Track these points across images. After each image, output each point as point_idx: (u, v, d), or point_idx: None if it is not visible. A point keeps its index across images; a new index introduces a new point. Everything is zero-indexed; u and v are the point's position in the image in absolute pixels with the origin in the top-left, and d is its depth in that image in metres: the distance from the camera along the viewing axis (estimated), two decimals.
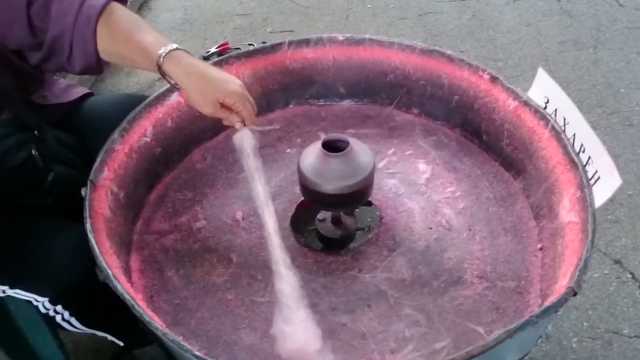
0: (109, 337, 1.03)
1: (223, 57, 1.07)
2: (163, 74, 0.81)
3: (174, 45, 0.80)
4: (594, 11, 2.47)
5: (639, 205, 1.54)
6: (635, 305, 1.32)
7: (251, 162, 0.83)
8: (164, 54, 0.79)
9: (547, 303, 0.65)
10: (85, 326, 0.94)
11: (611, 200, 1.54)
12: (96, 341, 1.23)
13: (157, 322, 0.65)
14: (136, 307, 0.66)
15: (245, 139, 0.85)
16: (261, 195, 0.83)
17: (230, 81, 0.82)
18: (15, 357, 1.00)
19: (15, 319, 0.94)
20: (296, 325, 0.76)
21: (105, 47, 0.82)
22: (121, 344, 1.05)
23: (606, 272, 1.39)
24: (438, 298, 0.84)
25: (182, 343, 0.62)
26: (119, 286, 0.69)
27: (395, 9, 2.52)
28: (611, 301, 1.33)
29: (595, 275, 1.38)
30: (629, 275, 1.38)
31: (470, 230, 0.95)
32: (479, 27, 2.40)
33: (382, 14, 2.48)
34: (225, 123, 0.86)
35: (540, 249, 0.91)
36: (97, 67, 0.85)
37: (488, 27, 2.40)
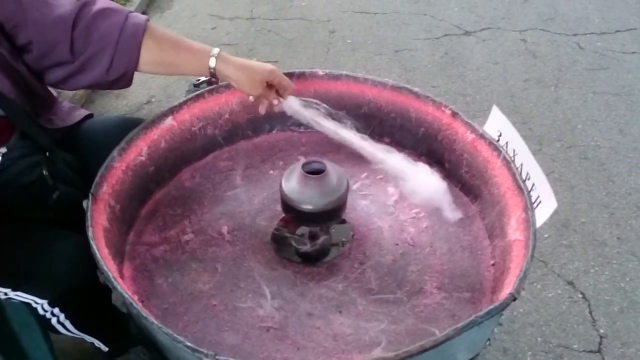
0: (96, 343, 1.10)
1: (214, 86, 1.18)
2: (212, 73, 1.00)
3: (218, 49, 1.00)
4: (556, 52, 2.68)
5: (591, 232, 1.68)
6: (585, 323, 1.44)
7: (309, 113, 1.08)
8: (216, 56, 0.99)
9: (490, 306, 0.76)
10: (78, 330, 1.01)
11: (566, 227, 1.69)
12: (81, 349, 1.29)
13: (152, 318, 0.73)
14: (134, 304, 0.75)
15: (294, 103, 1.08)
16: (331, 127, 1.07)
17: (267, 65, 1.04)
18: (7, 358, 1.06)
19: (10, 321, 1.01)
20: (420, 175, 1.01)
21: (150, 57, 0.97)
22: (105, 349, 1.12)
23: (559, 292, 1.51)
24: (401, 306, 0.95)
25: (175, 335, 0.70)
26: (118, 287, 0.78)
27: (372, 45, 2.68)
28: (563, 319, 1.45)
29: (550, 294, 1.50)
30: (580, 295, 1.50)
31: (431, 247, 1.06)
32: (450, 64, 2.58)
33: (361, 49, 2.64)
34: (269, 100, 1.08)
35: (493, 264, 1.02)
36: (131, 78, 1.01)
37: (459, 65, 2.57)
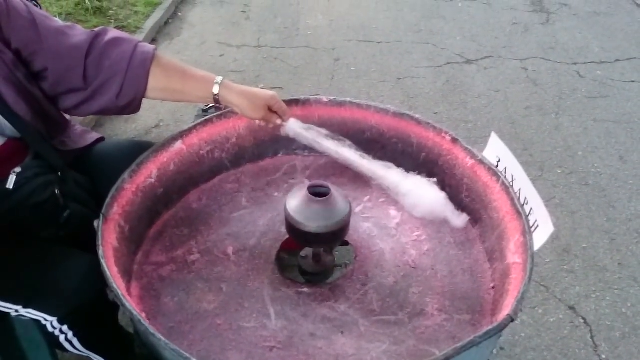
0: None
1: (222, 111, 1.22)
2: (216, 100, 1.05)
3: (221, 77, 1.06)
4: (557, 81, 2.73)
5: (592, 257, 1.69)
6: (587, 348, 1.45)
7: (309, 134, 1.13)
8: (220, 84, 1.03)
9: (488, 327, 0.77)
10: (85, 348, 1.03)
11: (567, 252, 1.71)
12: None
13: (159, 335, 0.76)
14: (142, 321, 0.77)
15: (295, 125, 1.14)
16: (331, 146, 1.12)
17: (267, 91, 1.11)
18: None
19: (20, 339, 1.03)
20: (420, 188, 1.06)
21: (158, 84, 1.02)
22: None
23: (561, 316, 1.52)
24: (403, 327, 0.96)
25: (182, 351, 0.73)
26: (127, 304, 0.80)
27: (376, 73, 2.75)
28: (565, 344, 1.45)
29: (551, 319, 1.51)
30: (582, 320, 1.51)
31: (433, 269, 1.08)
32: (452, 91, 2.63)
33: (365, 76, 2.70)
34: (271, 122, 1.13)
35: (493, 287, 1.04)
36: (139, 104, 1.05)
37: (460, 92, 2.63)
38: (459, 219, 1.07)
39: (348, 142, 1.14)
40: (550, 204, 1.87)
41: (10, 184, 0.97)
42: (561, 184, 2.00)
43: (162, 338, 0.74)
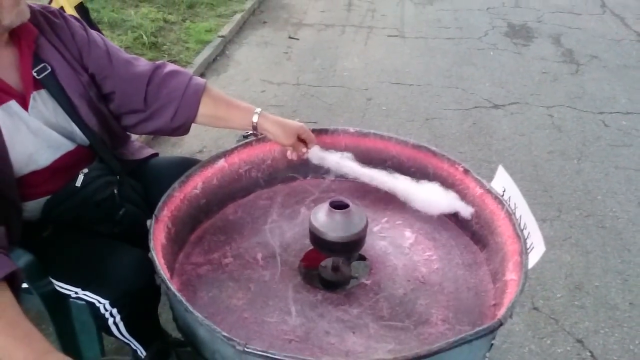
0: (139, 352, 1.26)
1: (260, 137, 1.39)
2: (254, 127, 1.23)
3: (260, 109, 1.24)
4: (581, 128, 2.82)
5: (604, 296, 1.75)
6: None
7: (332, 158, 1.29)
8: (258, 114, 1.22)
9: (479, 328, 0.88)
10: (128, 333, 1.18)
11: (579, 289, 1.77)
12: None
13: (197, 313, 0.90)
14: (183, 301, 0.92)
15: (318, 152, 1.31)
16: (349, 164, 1.29)
17: (297, 122, 1.27)
18: (65, 350, 1.23)
19: (74, 321, 1.19)
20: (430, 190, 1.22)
21: (206, 111, 1.21)
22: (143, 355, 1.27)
23: (568, 348, 1.57)
24: (408, 332, 1.07)
25: (213, 325, 0.86)
26: (171, 286, 0.95)
27: (405, 112, 2.91)
28: None
29: (559, 350, 1.57)
30: (589, 354, 1.56)
31: (440, 285, 1.19)
32: (478, 133, 2.75)
33: (394, 115, 2.87)
34: (298, 150, 1.29)
35: (494, 304, 1.14)
36: (189, 128, 1.24)
37: (486, 134, 2.75)
38: (466, 210, 1.23)
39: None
40: (565, 243, 1.94)
41: (79, 182, 1.15)
42: (578, 225, 2.07)
43: (198, 314, 0.89)
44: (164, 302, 1.26)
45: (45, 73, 1.09)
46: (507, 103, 3.10)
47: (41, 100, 1.10)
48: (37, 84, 1.09)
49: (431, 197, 1.25)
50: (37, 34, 1.09)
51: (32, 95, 1.08)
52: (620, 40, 4.15)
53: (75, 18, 1.21)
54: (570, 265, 1.83)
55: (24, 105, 1.07)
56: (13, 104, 1.05)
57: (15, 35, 1.06)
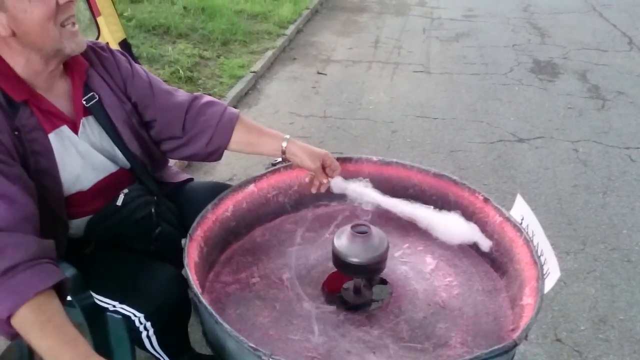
0: None
1: (287, 164, 1.47)
2: (283, 151, 1.32)
3: (288, 135, 1.33)
4: (607, 163, 2.82)
5: (629, 329, 1.73)
6: None
7: (353, 187, 1.34)
8: (287, 140, 1.32)
9: (494, 347, 0.92)
10: (160, 346, 1.24)
11: (604, 322, 1.76)
12: None
13: (228, 326, 0.96)
14: (213, 313, 0.98)
15: (340, 181, 1.37)
16: (371, 193, 1.33)
17: (322, 150, 1.35)
18: None
19: (109, 333, 1.26)
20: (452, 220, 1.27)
21: (240, 138, 1.31)
22: None
23: None
24: (427, 354, 1.11)
25: (240, 336, 0.92)
26: (202, 300, 1.01)
27: (430, 145, 2.96)
28: None
29: None
30: None
31: (460, 310, 1.22)
32: (503, 166, 2.78)
33: (419, 147, 2.93)
34: (321, 179, 1.35)
35: (512, 329, 1.16)
36: (222, 153, 1.34)
37: (510, 167, 2.77)
38: (485, 242, 1.26)
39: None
40: (590, 276, 1.94)
41: (119, 201, 1.24)
42: (603, 258, 2.06)
43: (227, 325, 0.95)
44: (191, 323, 1.32)
45: (94, 101, 1.20)
46: (532, 137, 3.12)
47: (89, 125, 1.21)
48: (86, 111, 1.20)
49: (452, 226, 1.29)
50: (87, 66, 1.21)
51: (81, 121, 1.19)
52: None
53: (121, 52, 1.33)
54: (595, 298, 1.82)
55: (74, 130, 1.18)
56: (65, 129, 1.16)
57: (68, 67, 1.18)
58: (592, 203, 2.45)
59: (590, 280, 1.92)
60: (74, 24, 1.09)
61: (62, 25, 1.06)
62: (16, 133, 1.04)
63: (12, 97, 1.05)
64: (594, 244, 2.15)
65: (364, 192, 1.34)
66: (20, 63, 1.07)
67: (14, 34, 1.02)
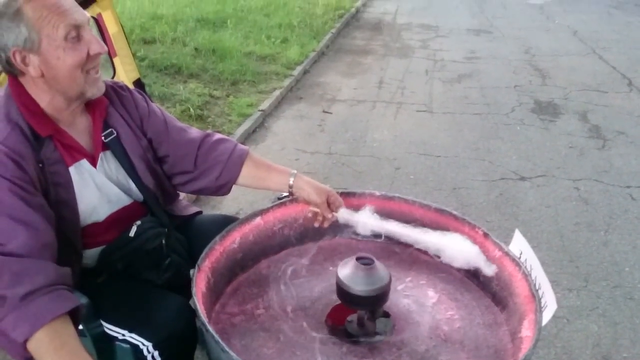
0: None
1: (293, 197, 1.52)
2: (290, 186, 1.37)
3: (295, 171, 1.40)
4: (608, 201, 2.85)
5: None
6: None
7: (356, 217, 1.39)
8: (294, 175, 1.38)
9: None
10: None
11: (607, 359, 1.76)
12: None
13: (232, 352, 0.99)
14: (220, 341, 1.01)
15: (346, 213, 1.40)
16: (374, 222, 1.37)
17: (328, 188, 1.40)
18: None
19: None
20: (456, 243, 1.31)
21: (249, 172, 1.37)
22: None
23: None
24: None
25: None
26: (209, 328, 1.05)
27: (433, 182, 3.02)
28: None
29: None
30: None
31: (461, 343, 1.24)
32: (505, 203, 2.82)
33: (422, 184, 2.98)
34: (326, 214, 1.39)
35: None
36: (230, 187, 1.39)
37: (512, 205, 2.81)
38: (489, 268, 1.28)
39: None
40: (592, 313, 1.94)
41: (132, 232, 1.29)
42: (605, 295, 2.07)
43: (232, 352, 0.98)
44: (196, 355, 1.34)
45: (112, 137, 1.27)
46: (533, 175, 3.18)
47: (106, 160, 1.27)
48: (105, 146, 1.27)
49: (459, 248, 1.32)
50: (107, 104, 1.28)
51: (100, 156, 1.25)
52: None
53: (139, 91, 1.41)
54: (598, 336, 1.83)
55: (93, 163, 1.24)
56: (84, 162, 1.23)
57: (90, 104, 1.26)
58: (594, 241, 2.48)
59: (593, 318, 1.93)
60: (97, 71, 1.17)
61: (87, 72, 1.14)
62: (40, 165, 1.11)
63: (39, 132, 1.12)
64: (597, 281, 2.16)
65: (368, 221, 1.39)
66: (45, 100, 1.15)
67: (42, 75, 1.10)
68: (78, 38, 1.10)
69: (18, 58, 1.08)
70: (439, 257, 1.34)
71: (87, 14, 1.15)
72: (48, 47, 1.07)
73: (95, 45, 1.12)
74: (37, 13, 1.05)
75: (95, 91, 1.18)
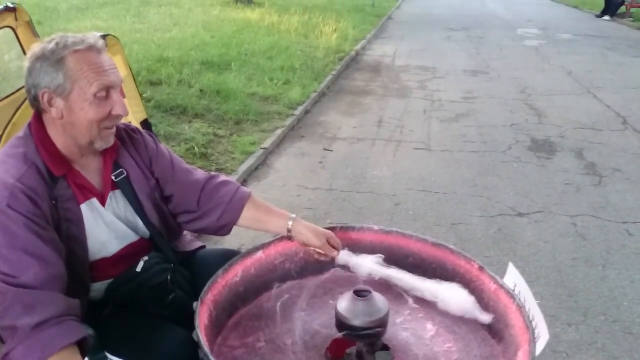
0: None
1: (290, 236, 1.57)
2: (289, 230, 1.42)
3: (294, 215, 1.43)
4: (605, 237, 2.89)
5: None
6: None
7: (356, 261, 1.43)
8: (293, 219, 1.41)
9: None
10: None
11: None
12: None
13: None
14: None
15: (346, 255, 1.45)
16: (373, 266, 1.41)
17: (326, 230, 1.45)
18: None
19: None
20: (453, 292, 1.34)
21: (249, 214, 1.42)
22: None
23: None
24: None
25: None
26: (212, 358, 1.08)
27: (432, 218, 3.06)
28: None
29: None
30: None
31: None
32: (503, 239, 2.86)
33: (421, 219, 3.02)
34: (327, 253, 1.44)
35: None
36: (231, 228, 1.44)
37: (510, 240, 2.85)
38: (484, 317, 1.31)
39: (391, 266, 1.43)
40: (591, 347, 1.95)
41: (139, 268, 1.34)
42: (604, 330, 2.08)
43: None
44: None
45: (122, 177, 1.34)
46: (531, 212, 3.22)
47: (115, 198, 1.33)
48: (114, 185, 1.33)
49: (455, 298, 1.35)
50: (119, 145, 1.35)
51: (109, 195, 1.31)
52: None
53: (149, 134, 1.48)
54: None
55: (102, 202, 1.30)
56: (94, 201, 1.29)
57: None
58: (591, 275, 2.50)
59: (592, 352, 1.94)
60: (113, 127, 1.25)
61: (103, 128, 1.22)
62: (54, 202, 1.16)
63: (53, 172, 1.19)
64: (595, 316, 2.17)
65: (367, 266, 1.43)
66: (60, 141, 1.22)
67: (61, 117, 1.18)
68: (106, 97, 1.19)
69: (46, 98, 1.16)
70: (436, 304, 1.37)
71: (121, 75, 1.24)
72: (77, 97, 1.16)
73: (119, 107, 1.21)
74: (78, 66, 1.14)
75: (104, 144, 1.26)
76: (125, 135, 1.39)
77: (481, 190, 3.54)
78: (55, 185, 1.18)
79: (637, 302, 2.28)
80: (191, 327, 1.19)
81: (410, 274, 1.40)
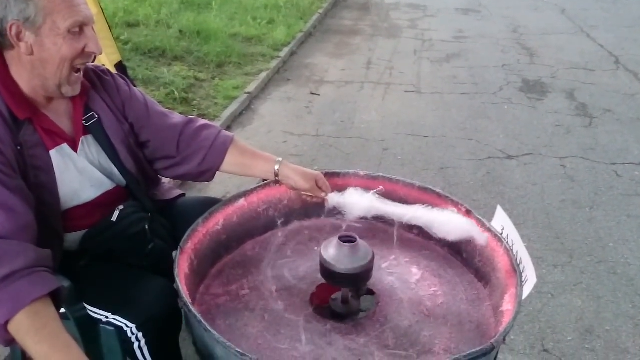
0: None
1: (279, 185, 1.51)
2: (276, 174, 1.37)
3: (281, 158, 1.39)
4: (593, 178, 2.88)
5: (615, 340, 1.76)
6: None
7: (346, 199, 1.39)
8: (280, 162, 1.37)
9: (472, 350, 0.95)
10: (151, 357, 1.26)
11: (590, 332, 1.79)
12: None
13: (214, 331, 0.99)
14: (202, 321, 1.01)
15: (335, 197, 1.41)
16: (364, 200, 1.37)
17: (315, 172, 1.40)
18: None
19: (102, 345, 1.29)
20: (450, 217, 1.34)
21: (233, 159, 1.36)
22: None
23: None
24: None
25: (227, 342, 0.95)
26: (192, 309, 1.05)
27: (420, 162, 3.02)
28: None
29: None
30: None
31: (444, 319, 1.26)
32: (491, 182, 2.84)
33: (409, 164, 2.99)
34: (316, 195, 1.40)
35: (494, 336, 1.20)
36: (213, 174, 1.39)
37: (499, 183, 2.83)
38: (481, 236, 1.31)
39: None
40: (576, 288, 1.97)
41: (114, 217, 1.29)
42: (589, 270, 2.10)
43: (214, 332, 0.98)
44: (183, 337, 1.35)
45: (93, 121, 1.25)
46: (520, 154, 3.19)
47: (87, 144, 1.26)
48: (86, 130, 1.25)
49: (452, 221, 1.33)
50: (88, 87, 1.26)
51: (81, 140, 1.24)
52: (634, 95, 4.25)
53: (121, 76, 1.39)
54: (581, 310, 1.86)
55: (74, 147, 1.23)
56: (65, 147, 1.21)
57: None
58: (579, 217, 2.50)
59: (577, 292, 1.96)
60: (82, 71, 1.17)
61: (74, 68, 1.14)
62: (19, 148, 1.09)
63: (16, 115, 1.10)
64: (581, 257, 2.19)
65: (359, 202, 1.39)
66: (24, 79, 1.13)
67: (31, 54, 1.09)
68: (80, 33, 1.12)
69: (14, 31, 1.07)
70: (432, 231, 1.34)
71: (93, 12, 1.16)
72: (49, 32, 1.08)
73: (93, 44, 1.14)
74: (50, 0, 1.06)
75: (71, 91, 1.18)
76: (95, 77, 1.30)
77: (471, 133, 3.49)
78: (19, 130, 1.11)
79: (623, 242, 2.29)
80: (173, 276, 1.16)
81: (403, 205, 1.37)
